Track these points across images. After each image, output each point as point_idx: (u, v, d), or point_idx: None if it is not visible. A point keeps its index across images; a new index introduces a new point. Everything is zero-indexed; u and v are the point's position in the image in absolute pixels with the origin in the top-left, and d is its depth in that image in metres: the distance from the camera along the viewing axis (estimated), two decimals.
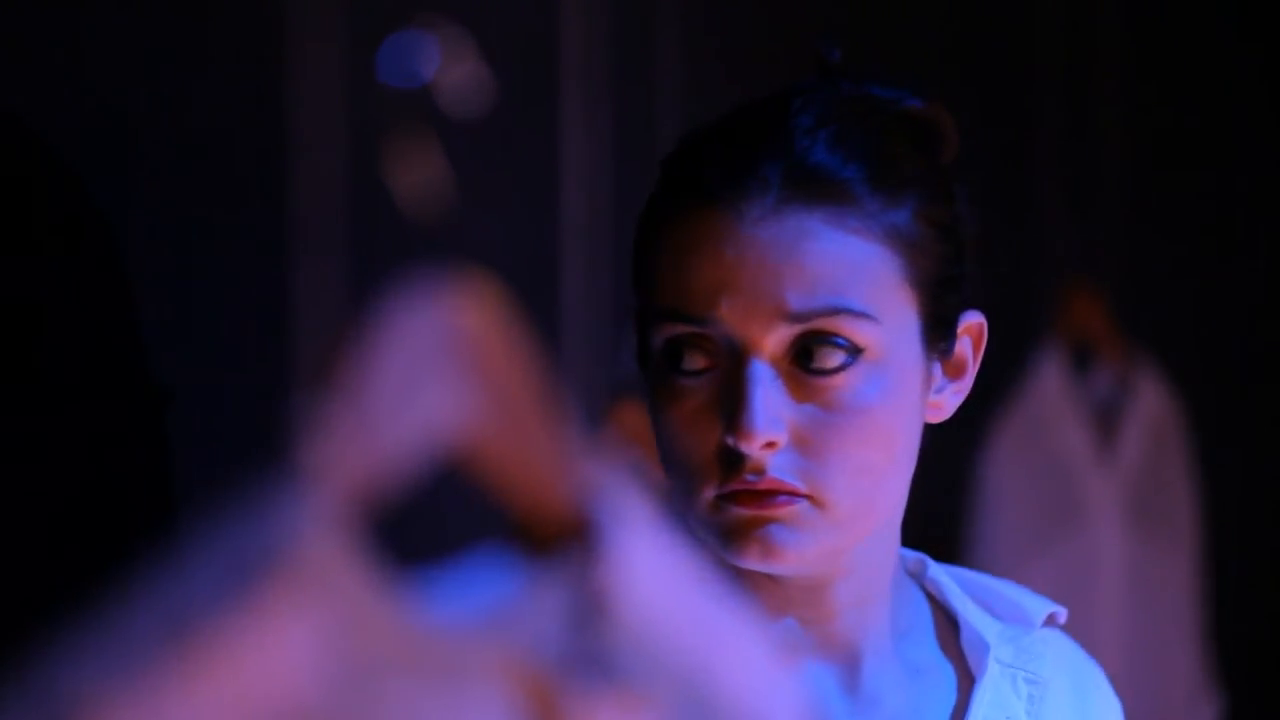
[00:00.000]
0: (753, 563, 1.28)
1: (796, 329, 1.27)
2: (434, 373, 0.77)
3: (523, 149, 1.32)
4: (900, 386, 1.29)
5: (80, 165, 1.45)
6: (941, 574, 1.41)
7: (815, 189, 1.28)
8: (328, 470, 0.74)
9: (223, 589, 0.71)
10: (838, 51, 1.38)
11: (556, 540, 0.80)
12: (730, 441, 1.26)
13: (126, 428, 1.46)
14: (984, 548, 3.21)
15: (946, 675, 1.38)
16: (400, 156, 0.80)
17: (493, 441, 0.79)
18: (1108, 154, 3.44)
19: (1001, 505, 3.20)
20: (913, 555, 1.41)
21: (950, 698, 1.37)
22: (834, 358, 1.27)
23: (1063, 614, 1.44)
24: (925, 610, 1.40)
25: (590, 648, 0.78)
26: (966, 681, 1.38)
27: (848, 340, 1.27)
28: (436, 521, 1.42)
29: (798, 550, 1.28)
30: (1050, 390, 3.22)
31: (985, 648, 1.37)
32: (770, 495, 1.27)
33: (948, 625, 1.40)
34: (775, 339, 1.27)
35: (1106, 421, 3.27)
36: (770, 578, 1.31)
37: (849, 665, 1.34)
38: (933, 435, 1.36)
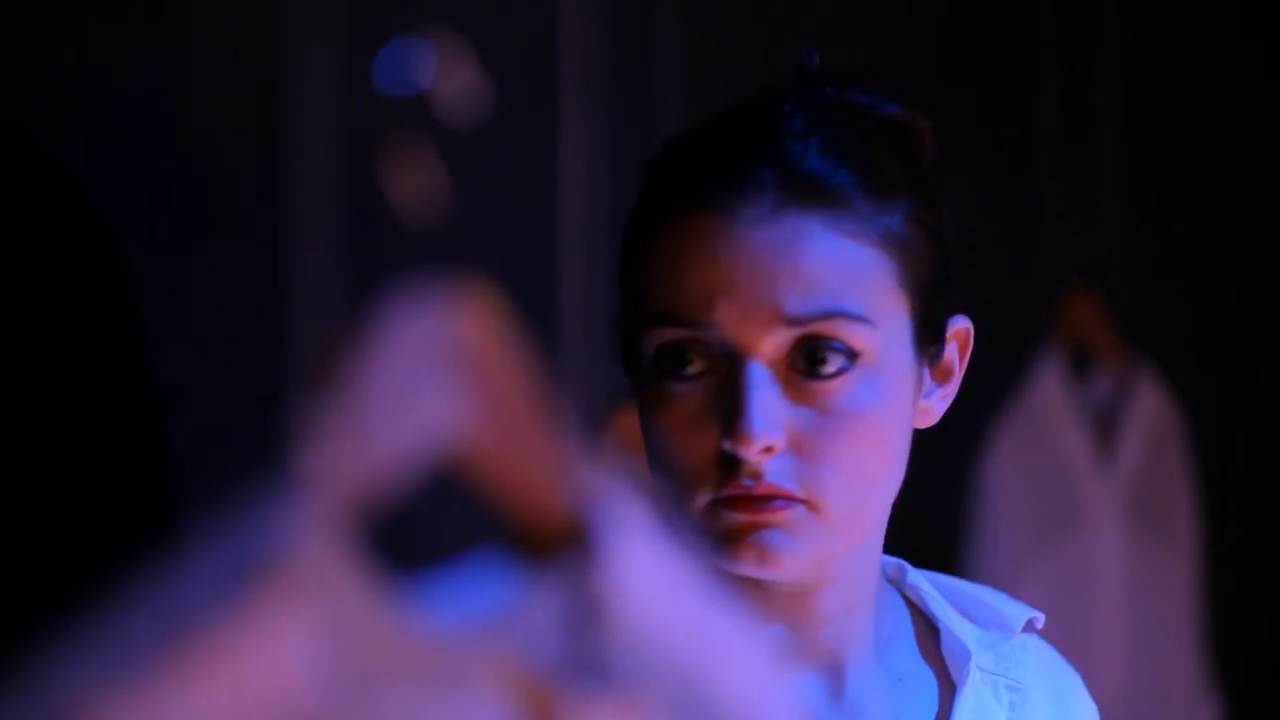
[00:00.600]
0: (748, 568, 1.27)
1: (794, 333, 1.26)
2: (431, 378, 0.77)
3: (521, 154, 1.32)
4: (894, 391, 1.29)
5: (79, 171, 1.45)
6: (921, 580, 1.41)
7: (810, 193, 1.27)
8: (325, 475, 0.74)
9: (220, 593, 0.72)
10: (816, 56, 1.37)
11: (553, 545, 0.80)
12: (728, 446, 1.25)
13: (126, 432, 1.46)
14: (984, 551, 3.21)
15: (928, 682, 1.37)
16: (397, 162, 0.80)
17: (489, 447, 0.79)
18: (1107, 158, 3.44)
19: (1001, 509, 3.20)
20: (892, 561, 1.40)
21: (932, 705, 1.36)
22: (832, 362, 1.27)
23: (1040, 619, 1.43)
24: (905, 617, 1.40)
25: (587, 652, 0.78)
26: (948, 688, 1.37)
27: (844, 344, 1.27)
28: (433, 526, 1.42)
29: (793, 556, 1.27)
30: (1049, 394, 3.22)
31: (966, 654, 1.37)
32: (767, 500, 1.26)
33: (928, 632, 1.40)
34: (772, 343, 1.26)
35: (1106, 425, 3.27)
36: (758, 585, 1.30)
37: (834, 673, 1.33)
38: (933, 439, 1.36)
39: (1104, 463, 3.24)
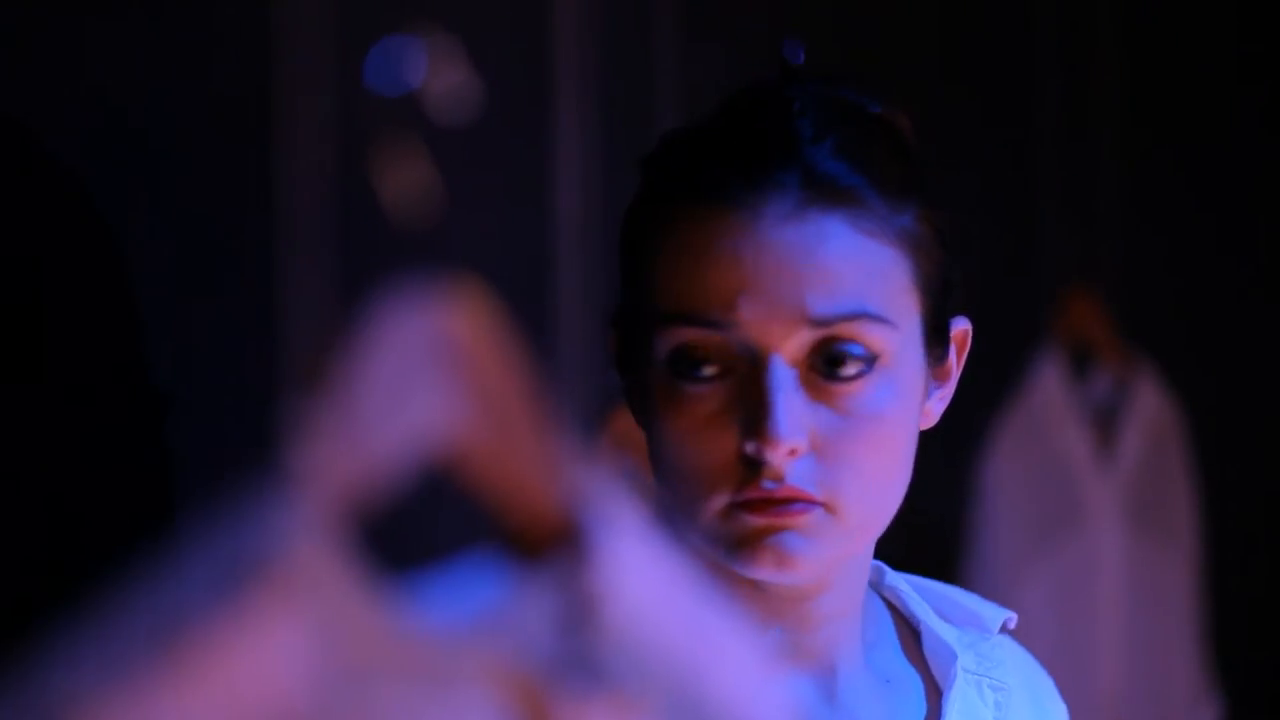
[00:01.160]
0: (765, 572, 1.26)
1: (817, 334, 1.25)
2: (424, 378, 0.77)
3: (515, 153, 1.32)
4: (908, 392, 1.28)
5: (75, 172, 1.45)
6: (900, 582, 1.40)
7: (830, 194, 1.26)
8: (318, 475, 0.74)
9: (214, 593, 0.71)
10: (802, 53, 1.36)
11: (546, 545, 0.80)
12: (751, 448, 1.23)
13: (122, 432, 1.46)
14: (984, 551, 3.21)
15: (915, 684, 1.37)
16: (390, 162, 0.80)
17: (482, 446, 0.79)
18: (1107, 157, 3.44)
19: (1001, 508, 3.20)
20: (871, 563, 1.39)
21: (920, 706, 1.36)
22: (852, 364, 1.25)
23: (1014, 620, 1.43)
24: (887, 619, 1.39)
25: (580, 652, 0.78)
26: (933, 690, 1.37)
27: (865, 346, 1.26)
28: (426, 527, 1.42)
29: (810, 559, 1.26)
30: (1049, 393, 3.22)
31: (952, 655, 1.36)
32: (787, 503, 1.24)
33: (908, 634, 1.39)
34: (795, 343, 1.25)
35: (1106, 424, 3.27)
36: (757, 587, 1.29)
37: (827, 677, 1.32)
38: (933, 439, 1.36)
39: (1104, 462, 3.24)
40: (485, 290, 0.78)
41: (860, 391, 1.26)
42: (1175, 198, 3.74)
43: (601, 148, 1.42)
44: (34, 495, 1.40)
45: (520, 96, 1.27)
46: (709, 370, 1.25)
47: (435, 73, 0.81)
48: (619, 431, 1.43)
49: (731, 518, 1.25)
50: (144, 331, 1.48)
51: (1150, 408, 3.28)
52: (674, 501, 1.27)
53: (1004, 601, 3.30)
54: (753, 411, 1.24)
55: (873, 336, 1.26)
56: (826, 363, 1.25)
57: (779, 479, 1.24)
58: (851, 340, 1.25)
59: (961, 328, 1.34)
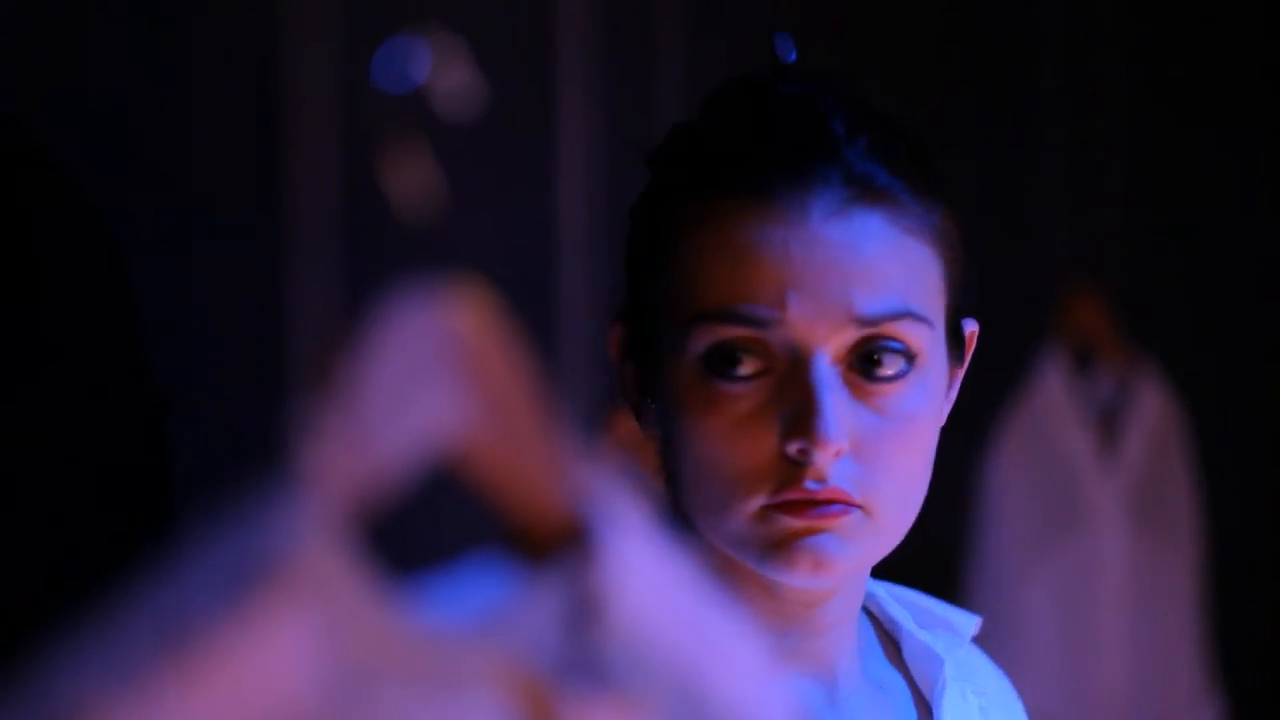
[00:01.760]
0: (800, 575, 1.24)
1: (860, 333, 1.23)
2: (429, 378, 0.77)
3: (518, 153, 1.32)
4: (938, 393, 1.27)
5: (76, 170, 1.45)
6: (879, 588, 1.39)
7: (870, 192, 1.25)
8: (323, 475, 0.74)
9: (219, 594, 0.71)
10: (794, 52, 1.35)
11: (551, 545, 0.80)
12: (796, 448, 1.21)
13: (125, 433, 1.46)
14: (987, 551, 3.21)
15: (903, 691, 1.35)
16: (395, 161, 0.80)
17: (487, 446, 0.79)
18: (1109, 156, 3.44)
19: (1004, 508, 3.20)
20: None
21: (911, 713, 1.35)
22: (894, 364, 1.24)
23: (979, 625, 1.42)
24: (869, 625, 1.38)
25: (584, 652, 0.78)
26: (919, 696, 1.36)
27: (905, 346, 1.24)
28: (431, 527, 1.42)
29: (845, 562, 1.24)
30: (1052, 393, 3.21)
31: (938, 662, 1.34)
32: (827, 504, 1.22)
33: (889, 640, 1.38)
34: (839, 342, 1.23)
35: (1108, 424, 3.27)
36: (770, 592, 1.27)
37: (828, 682, 1.31)
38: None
39: (1106, 461, 3.24)
40: (489, 290, 0.78)
41: (899, 392, 1.24)
42: (1178, 196, 3.74)
43: (605, 147, 1.42)
44: (34, 496, 1.40)
45: (524, 96, 1.27)
46: (747, 369, 1.23)
47: (440, 72, 0.81)
48: (623, 431, 1.42)
49: (767, 519, 1.23)
50: (147, 332, 1.48)
51: (1153, 407, 3.28)
52: (699, 503, 1.25)
53: (1006, 601, 3.30)
54: (798, 411, 1.22)
55: (913, 336, 1.24)
56: (867, 362, 1.24)
57: (822, 479, 1.22)
58: (893, 339, 1.24)
59: (971, 329, 1.33)
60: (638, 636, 0.79)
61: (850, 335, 1.23)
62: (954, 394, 1.33)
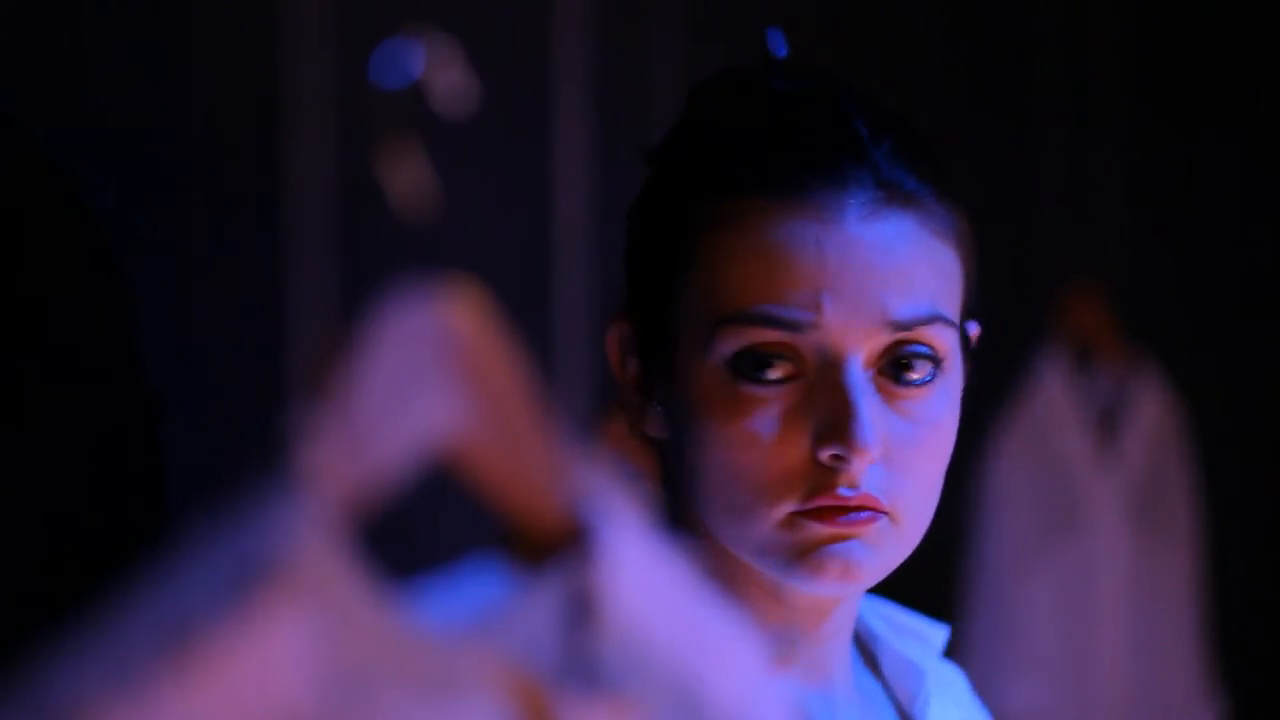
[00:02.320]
0: (828, 583, 1.22)
1: (894, 337, 1.21)
2: (425, 378, 0.77)
3: (515, 153, 1.32)
4: (957, 397, 1.26)
5: (71, 171, 1.45)
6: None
7: (900, 194, 1.23)
8: (320, 476, 0.74)
9: (217, 595, 0.71)
10: (785, 48, 1.33)
11: (548, 545, 0.80)
12: (828, 456, 1.19)
13: (120, 435, 1.46)
14: (986, 550, 3.20)
15: (883, 703, 1.34)
16: (392, 161, 0.80)
17: (484, 447, 0.79)
18: (1108, 156, 3.44)
19: (1003, 508, 3.20)
20: None
21: None
22: (923, 369, 1.22)
23: (948, 636, 1.42)
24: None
25: (581, 653, 0.78)
26: (898, 709, 1.35)
27: (933, 351, 1.23)
28: (428, 528, 1.42)
29: (873, 569, 1.22)
30: (1052, 393, 3.21)
31: (919, 675, 1.33)
32: (856, 511, 1.21)
33: (866, 651, 1.36)
34: (871, 346, 1.21)
35: (1108, 424, 3.27)
36: (777, 599, 1.26)
37: (826, 690, 1.30)
38: None
39: (1106, 461, 3.24)
40: (485, 289, 0.78)
41: (926, 397, 1.23)
42: (1178, 197, 3.74)
43: (602, 147, 1.42)
44: (27, 498, 1.40)
45: (520, 96, 1.27)
46: (777, 373, 1.20)
47: (436, 72, 0.81)
48: (619, 432, 1.41)
49: (795, 526, 1.21)
50: (143, 332, 1.48)
51: (1152, 408, 3.28)
52: (720, 510, 1.22)
53: (1006, 601, 3.30)
54: (833, 417, 1.20)
55: (941, 340, 1.23)
56: (897, 367, 1.22)
57: (854, 486, 1.20)
58: (924, 344, 1.22)
59: (974, 331, 1.32)
60: (634, 637, 0.79)
61: (883, 340, 1.21)
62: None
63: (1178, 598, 3.28)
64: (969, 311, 1.29)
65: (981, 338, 1.34)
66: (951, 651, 2.89)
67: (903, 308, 1.21)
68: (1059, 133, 3.42)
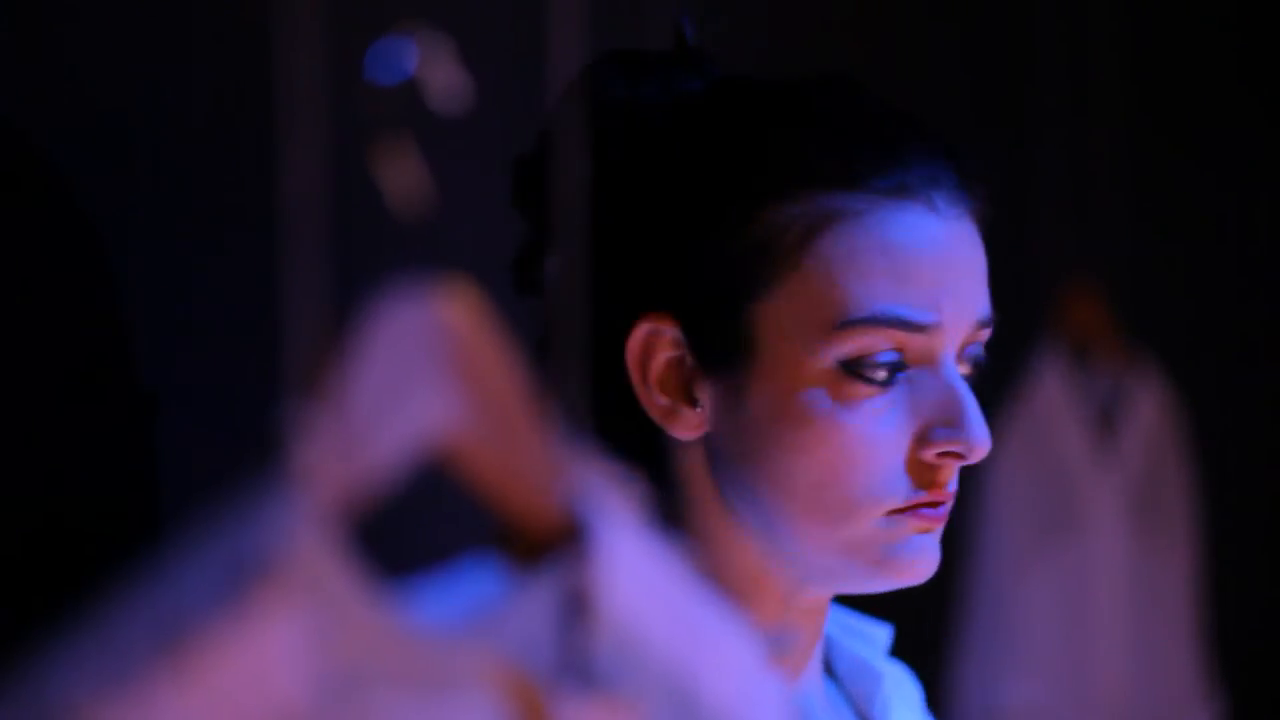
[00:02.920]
0: (911, 577, 1.23)
1: (975, 335, 1.24)
2: (420, 376, 0.77)
3: (510, 151, 1.31)
4: None
5: (64, 170, 1.45)
6: None
7: (970, 196, 1.25)
8: (315, 474, 0.74)
9: (212, 594, 0.71)
10: (692, 30, 1.32)
11: (543, 544, 0.80)
12: (936, 453, 1.21)
13: (115, 433, 1.46)
14: (986, 550, 3.20)
15: (843, 702, 1.34)
16: (387, 159, 0.80)
17: (479, 445, 0.79)
18: (1107, 155, 3.44)
19: (1002, 507, 3.20)
20: None
21: None
22: (976, 367, 1.25)
23: (891, 636, 1.42)
24: None
25: (576, 652, 0.78)
26: (856, 709, 1.34)
27: (983, 349, 1.26)
28: (424, 526, 1.42)
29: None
30: (1050, 392, 3.21)
31: (876, 677, 1.33)
32: (944, 505, 1.23)
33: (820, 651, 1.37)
34: (960, 344, 1.23)
35: (1106, 423, 3.27)
36: (784, 601, 1.26)
37: (811, 687, 1.30)
38: None
39: (1105, 460, 3.24)
40: (480, 288, 0.78)
41: (972, 395, 1.24)
42: (1177, 195, 3.74)
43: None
44: (21, 497, 1.40)
45: (515, 94, 1.27)
46: (887, 372, 1.20)
47: (431, 70, 0.81)
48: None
49: (893, 523, 1.21)
50: (137, 331, 1.48)
51: (1151, 406, 3.28)
52: (810, 511, 1.21)
53: (1005, 600, 3.29)
54: (946, 415, 1.21)
55: (985, 339, 1.26)
56: (965, 365, 1.24)
57: (952, 481, 1.23)
58: (980, 343, 1.25)
59: None
60: (629, 636, 0.79)
61: (969, 338, 1.23)
62: None
63: (1176, 597, 3.28)
64: None
65: None
66: (950, 651, 2.89)
67: (986, 307, 1.24)
68: (1057, 132, 3.42)
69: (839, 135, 1.23)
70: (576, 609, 0.78)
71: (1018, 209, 3.43)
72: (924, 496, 1.21)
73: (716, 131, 1.25)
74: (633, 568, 0.80)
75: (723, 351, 1.23)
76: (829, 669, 1.36)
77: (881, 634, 1.39)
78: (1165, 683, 3.27)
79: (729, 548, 1.25)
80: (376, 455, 0.76)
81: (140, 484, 1.47)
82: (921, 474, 1.21)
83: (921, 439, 1.21)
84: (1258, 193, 3.83)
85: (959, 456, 1.21)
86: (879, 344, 1.20)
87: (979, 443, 1.21)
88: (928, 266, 1.21)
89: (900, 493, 1.21)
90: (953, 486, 1.23)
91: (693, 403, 1.24)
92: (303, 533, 0.73)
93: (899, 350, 1.21)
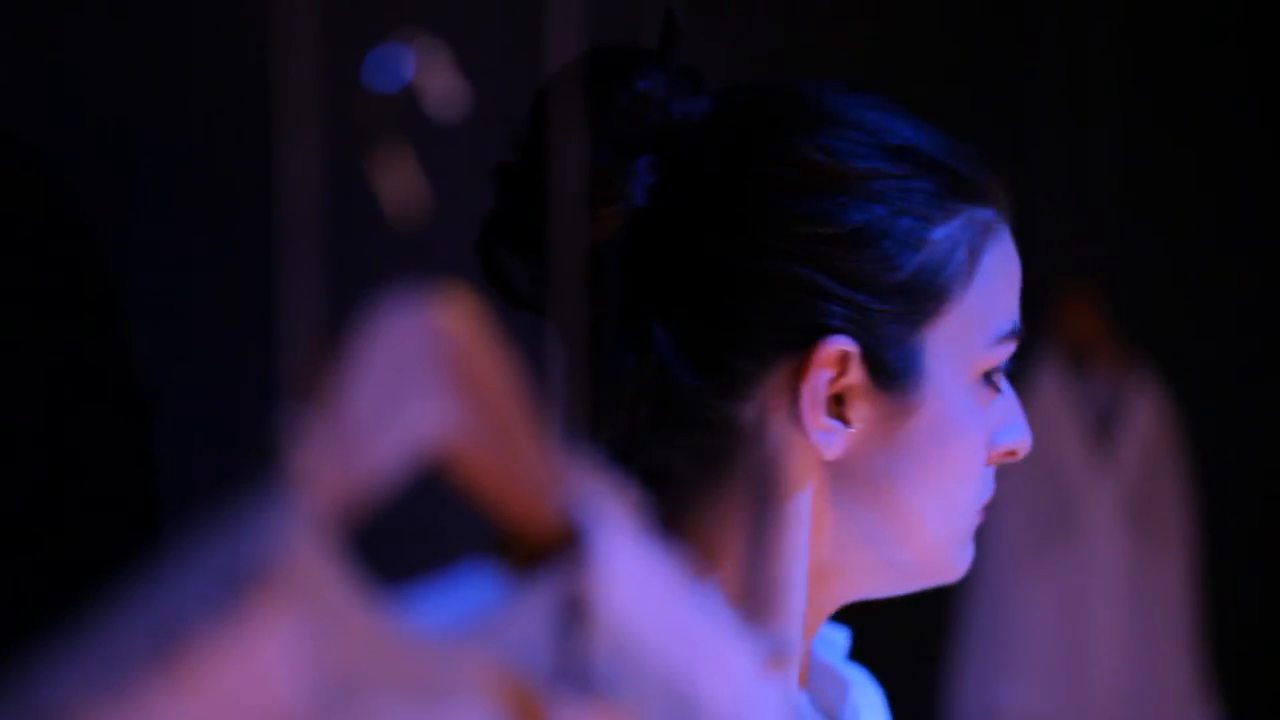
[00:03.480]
0: (961, 574, 1.31)
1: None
2: (417, 383, 0.77)
3: (507, 158, 1.31)
4: None
5: (63, 174, 1.45)
6: None
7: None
8: (312, 480, 0.74)
9: (208, 599, 0.71)
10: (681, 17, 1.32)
11: (540, 551, 0.80)
12: (1004, 452, 1.28)
13: (112, 438, 1.46)
14: (982, 553, 3.21)
15: (809, 705, 1.35)
16: (384, 166, 0.80)
17: (476, 451, 0.79)
18: (1104, 159, 3.44)
19: (1000, 511, 3.20)
20: None
21: None
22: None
23: (850, 639, 1.43)
24: None
25: (574, 658, 0.78)
26: (825, 712, 1.35)
27: None
28: (420, 532, 1.42)
29: None
30: (1047, 397, 3.22)
31: (844, 684, 1.34)
32: None
33: None
34: None
35: (1103, 427, 3.27)
36: (818, 608, 1.29)
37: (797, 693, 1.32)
38: None
39: (1102, 464, 3.24)
40: (477, 295, 0.78)
41: None
42: (1173, 200, 3.74)
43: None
44: (18, 500, 1.40)
45: (512, 100, 1.27)
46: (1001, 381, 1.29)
47: (428, 76, 0.81)
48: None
49: (975, 518, 1.30)
50: (134, 335, 1.48)
51: (1147, 411, 3.28)
52: (937, 512, 1.27)
53: (1002, 603, 3.29)
54: (1012, 418, 1.28)
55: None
56: None
57: None
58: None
59: None
60: (627, 642, 0.79)
61: None
62: None
63: (1172, 601, 3.28)
64: None
65: None
66: (948, 654, 2.89)
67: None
68: (1054, 136, 3.42)
69: (959, 149, 1.30)
70: (574, 615, 0.78)
71: (1016, 214, 3.43)
72: (988, 496, 1.30)
73: (877, 151, 1.27)
74: (630, 573, 0.80)
75: (895, 373, 1.25)
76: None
77: (840, 638, 1.40)
78: (1161, 686, 3.27)
79: (796, 559, 1.25)
80: (374, 461, 0.76)
81: (139, 487, 1.47)
82: (989, 471, 1.30)
83: (993, 439, 1.28)
84: (1256, 199, 3.83)
85: (1013, 455, 1.29)
86: (1009, 353, 1.27)
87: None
88: (1019, 278, 1.29)
89: (986, 488, 1.30)
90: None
91: (846, 424, 1.25)
92: (300, 538, 0.73)
93: None
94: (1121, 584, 3.23)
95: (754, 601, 1.22)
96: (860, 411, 1.25)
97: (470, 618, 0.78)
